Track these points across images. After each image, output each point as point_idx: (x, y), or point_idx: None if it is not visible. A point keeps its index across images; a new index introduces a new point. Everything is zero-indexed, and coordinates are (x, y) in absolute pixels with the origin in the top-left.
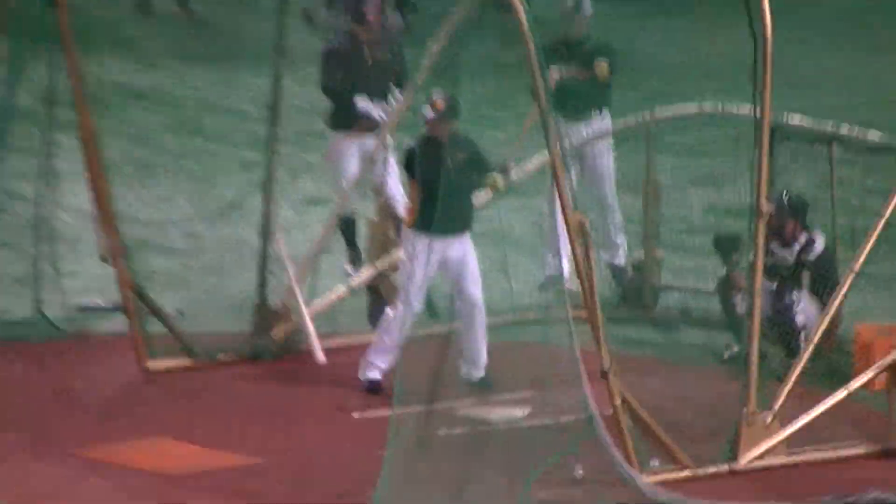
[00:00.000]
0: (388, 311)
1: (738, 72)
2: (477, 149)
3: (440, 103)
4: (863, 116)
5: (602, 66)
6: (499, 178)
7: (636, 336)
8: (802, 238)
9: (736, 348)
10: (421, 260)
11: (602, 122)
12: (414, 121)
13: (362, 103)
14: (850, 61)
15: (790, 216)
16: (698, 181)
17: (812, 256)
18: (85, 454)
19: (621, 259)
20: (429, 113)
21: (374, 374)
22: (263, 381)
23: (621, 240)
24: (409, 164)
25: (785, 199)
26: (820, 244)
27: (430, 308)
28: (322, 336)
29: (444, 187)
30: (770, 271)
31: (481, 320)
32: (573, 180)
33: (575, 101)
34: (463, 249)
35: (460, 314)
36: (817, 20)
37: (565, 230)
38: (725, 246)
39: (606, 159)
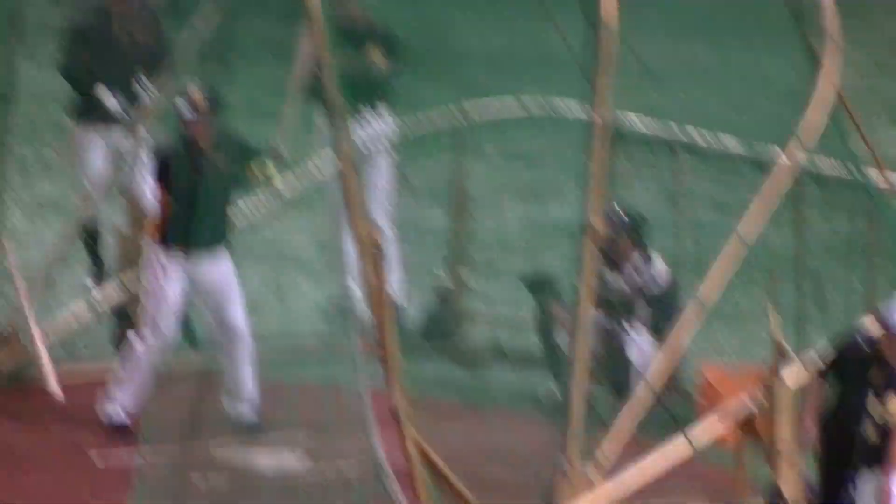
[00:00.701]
0: (134, 339)
1: (571, 64)
2: (241, 141)
3: (200, 102)
4: (717, 118)
5: (375, 52)
6: (270, 165)
7: (438, 375)
8: (636, 259)
9: (556, 390)
10: (169, 280)
11: (379, 121)
12: (172, 112)
13: (105, 95)
14: (712, 54)
15: (622, 232)
16: (516, 192)
17: (649, 281)
18: None
19: (396, 293)
20: (186, 112)
21: (117, 414)
22: None
23: (396, 270)
24: (162, 173)
25: (616, 211)
26: (659, 267)
27: (189, 336)
28: (58, 365)
29: (197, 196)
30: (600, 301)
31: (246, 351)
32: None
33: (346, 95)
34: (218, 268)
35: (221, 344)
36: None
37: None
38: (537, 288)
39: (382, 169)
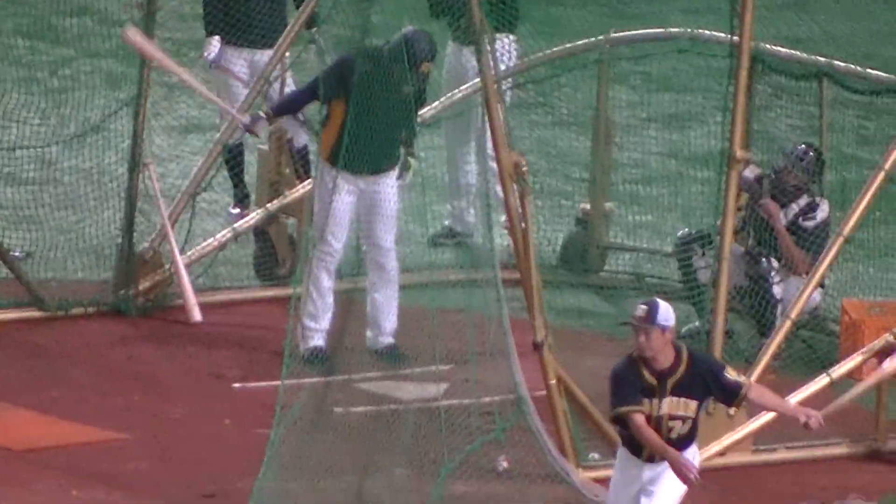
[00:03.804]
0: (314, 263)
1: None
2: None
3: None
4: (863, 49)
5: None
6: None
7: (577, 305)
8: (803, 201)
9: (697, 323)
10: (339, 193)
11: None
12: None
13: (213, 44)
14: None
15: (797, 170)
16: (659, 120)
17: (810, 223)
18: None
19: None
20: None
21: (316, 341)
22: (128, 341)
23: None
24: (340, 80)
25: (801, 152)
26: (823, 213)
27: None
28: (199, 290)
29: (378, 117)
30: (751, 235)
31: (392, 276)
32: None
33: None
34: (381, 187)
35: (369, 266)
36: None
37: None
38: (690, 244)
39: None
